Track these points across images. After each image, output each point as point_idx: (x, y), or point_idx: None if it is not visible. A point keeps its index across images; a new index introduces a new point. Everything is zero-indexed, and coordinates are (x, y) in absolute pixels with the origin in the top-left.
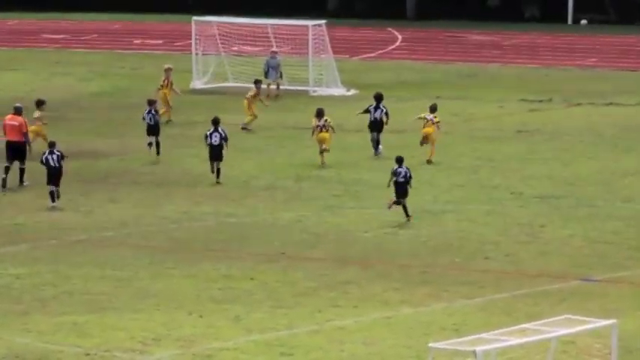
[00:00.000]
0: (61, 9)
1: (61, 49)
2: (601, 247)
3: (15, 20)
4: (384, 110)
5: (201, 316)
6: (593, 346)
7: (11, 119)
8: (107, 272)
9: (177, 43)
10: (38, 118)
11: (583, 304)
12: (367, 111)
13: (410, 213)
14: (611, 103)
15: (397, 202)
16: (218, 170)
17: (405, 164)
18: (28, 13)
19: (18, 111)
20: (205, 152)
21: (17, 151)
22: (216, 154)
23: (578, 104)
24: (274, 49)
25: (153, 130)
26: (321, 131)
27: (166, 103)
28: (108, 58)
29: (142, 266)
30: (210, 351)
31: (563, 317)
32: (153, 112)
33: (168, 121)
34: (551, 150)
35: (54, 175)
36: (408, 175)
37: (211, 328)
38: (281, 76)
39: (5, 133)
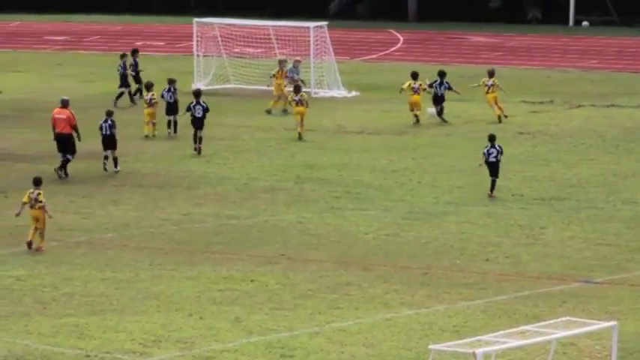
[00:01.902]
0: (63, 11)
1: (63, 50)
2: (602, 249)
3: (17, 22)
4: (447, 86)
5: (201, 318)
6: (594, 347)
7: (59, 112)
8: (108, 274)
9: (179, 45)
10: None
11: (583, 305)
12: (431, 86)
13: (495, 190)
14: (612, 105)
15: (492, 183)
16: (200, 138)
17: (496, 143)
18: (30, 14)
19: (65, 104)
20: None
21: (65, 142)
22: (199, 125)
23: (580, 106)
24: (298, 58)
25: (172, 108)
26: (297, 105)
27: (281, 92)
28: (110, 60)
29: (142, 268)
30: (210, 353)
31: (563, 319)
32: (172, 90)
33: (284, 111)
34: (552, 152)
35: (105, 143)
36: (501, 152)
37: (212, 330)
38: (303, 83)
39: (55, 127)
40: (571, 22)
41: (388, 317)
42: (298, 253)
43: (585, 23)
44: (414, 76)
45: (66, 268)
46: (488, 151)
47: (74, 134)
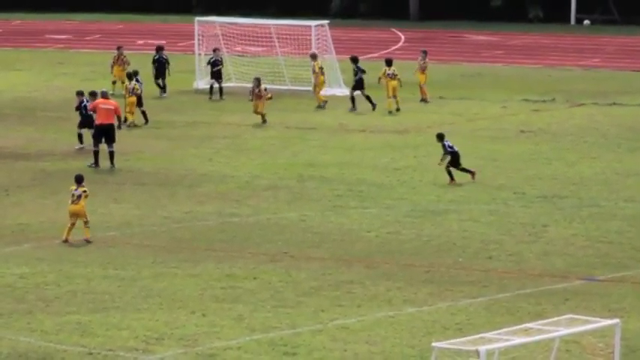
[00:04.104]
0: (64, 9)
1: (65, 49)
2: (604, 246)
3: (18, 20)
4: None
5: (204, 316)
6: (597, 345)
7: (105, 103)
8: (110, 272)
9: (181, 44)
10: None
11: (586, 303)
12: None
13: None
14: (614, 103)
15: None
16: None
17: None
18: (31, 13)
19: (106, 95)
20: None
21: (109, 132)
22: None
23: (582, 104)
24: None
25: (139, 99)
26: (259, 99)
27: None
28: (111, 59)
29: (145, 266)
30: (213, 350)
31: (566, 317)
32: (139, 81)
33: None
34: (554, 150)
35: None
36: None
37: (214, 328)
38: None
39: (98, 117)
40: (572, 21)
41: (391, 315)
42: (301, 250)
43: (587, 22)
44: (389, 62)
45: (68, 266)
46: (449, 144)
47: (115, 124)
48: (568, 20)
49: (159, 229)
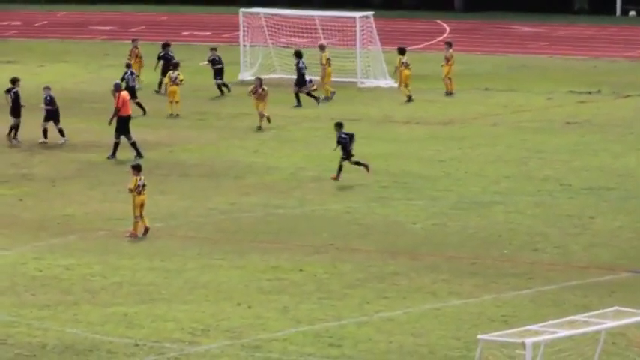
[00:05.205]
0: (109, 1)
1: (110, 40)
2: None
3: (64, 12)
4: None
5: (249, 307)
6: None
7: (127, 95)
8: (156, 263)
9: (225, 35)
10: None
11: (632, 295)
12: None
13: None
14: None
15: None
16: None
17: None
18: (76, 4)
19: (119, 88)
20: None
21: (128, 124)
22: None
23: (627, 96)
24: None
25: (133, 92)
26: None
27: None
28: (156, 50)
29: (190, 257)
30: (258, 342)
31: (612, 309)
32: (133, 74)
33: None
34: (600, 142)
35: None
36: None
37: (260, 319)
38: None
39: (122, 109)
40: (618, 12)
41: (436, 307)
42: (346, 242)
43: (632, 13)
44: (402, 51)
45: (114, 257)
46: (343, 136)
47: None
48: (613, 11)
49: (204, 220)
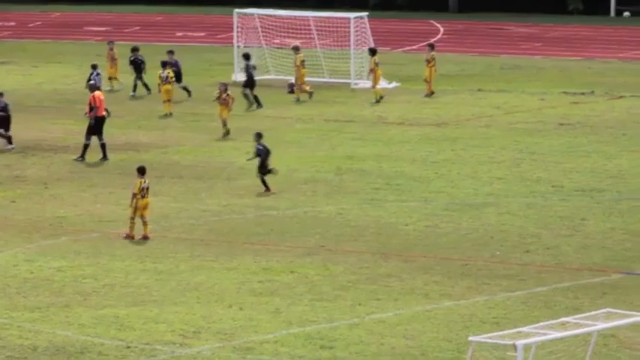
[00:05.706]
0: (103, 1)
1: (104, 41)
2: None
3: (58, 13)
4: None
5: (241, 309)
6: (635, 339)
7: (101, 95)
8: (148, 265)
9: (220, 36)
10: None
11: (624, 297)
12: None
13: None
14: None
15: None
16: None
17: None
18: (71, 5)
19: (94, 87)
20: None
21: (102, 125)
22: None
23: (621, 97)
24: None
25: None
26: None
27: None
28: (153, 51)
29: (182, 259)
30: (250, 344)
31: (604, 311)
32: (99, 74)
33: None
34: (593, 143)
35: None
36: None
37: (251, 321)
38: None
39: (99, 110)
40: (612, 13)
41: (428, 309)
42: (338, 244)
43: (627, 14)
44: (373, 51)
45: (106, 259)
46: (260, 147)
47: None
48: (608, 12)
49: (197, 222)
